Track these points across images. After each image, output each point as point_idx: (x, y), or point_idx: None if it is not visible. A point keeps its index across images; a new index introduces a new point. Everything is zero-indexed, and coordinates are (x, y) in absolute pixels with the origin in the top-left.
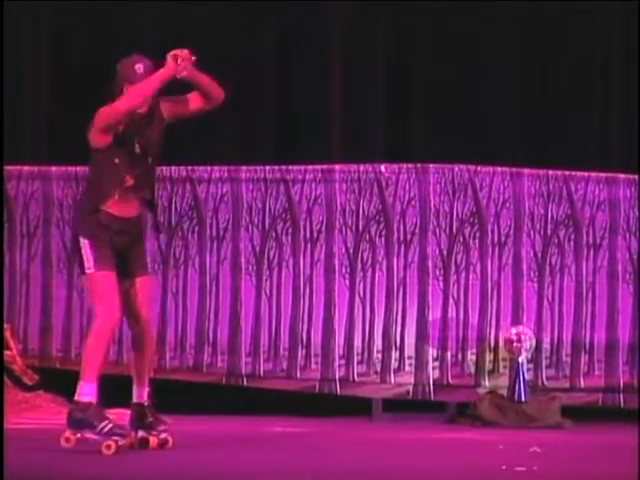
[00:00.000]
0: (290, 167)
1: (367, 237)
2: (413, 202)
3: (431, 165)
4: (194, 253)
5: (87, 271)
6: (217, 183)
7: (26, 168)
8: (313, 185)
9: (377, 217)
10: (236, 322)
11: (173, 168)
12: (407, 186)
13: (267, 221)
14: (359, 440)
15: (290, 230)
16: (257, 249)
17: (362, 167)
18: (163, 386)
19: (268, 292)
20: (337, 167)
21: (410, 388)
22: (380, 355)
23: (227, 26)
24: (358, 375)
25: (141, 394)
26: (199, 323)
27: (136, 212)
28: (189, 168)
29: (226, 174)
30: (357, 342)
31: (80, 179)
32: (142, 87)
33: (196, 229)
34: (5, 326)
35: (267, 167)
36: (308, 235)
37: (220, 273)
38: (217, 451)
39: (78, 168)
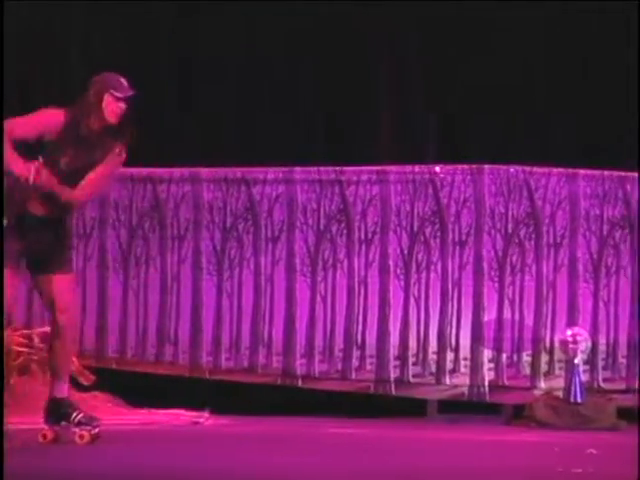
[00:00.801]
0: (345, 168)
1: (422, 238)
2: (468, 203)
3: (486, 166)
4: (249, 254)
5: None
6: (272, 184)
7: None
8: (368, 186)
9: (432, 218)
10: (291, 323)
11: (228, 170)
12: (462, 187)
13: (322, 222)
14: (414, 441)
15: (345, 231)
16: (312, 250)
17: (417, 168)
18: (218, 387)
19: (323, 293)
20: (392, 168)
21: (465, 389)
22: (435, 356)
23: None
24: (413, 376)
25: (62, 389)
26: (254, 324)
27: (55, 214)
28: (244, 169)
29: (281, 175)
30: (412, 343)
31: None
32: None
33: (251, 230)
34: None
35: (322, 168)
36: (363, 236)
37: (275, 274)
38: (271, 451)
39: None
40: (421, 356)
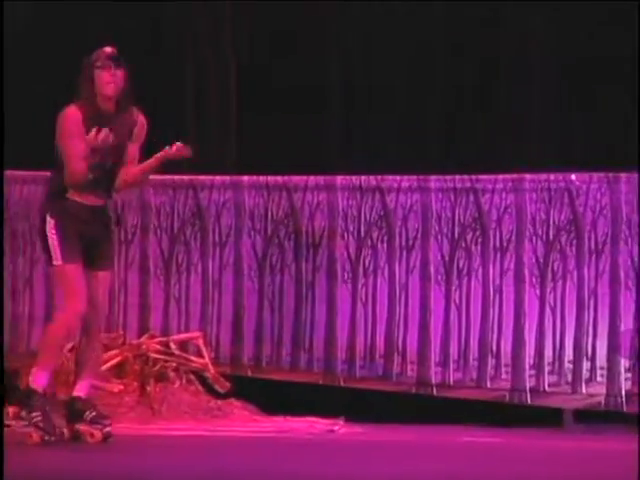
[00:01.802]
0: (480, 177)
1: (558, 247)
2: (604, 211)
3: (623, 174)
4: (383, 262)
5: (54, 262)
6: (406, 193)
7: (218, 178)
8: (503, 194)
9: (568, 226)
10: (425, 331)
11: (362, 177)
12: (598, 195)
13: (456, 230)
14: (550, 451)
15: (480, 240)
16: (446, 259)
17: (552, 176)
18: (353, 395)
19: (457, 301)
20: (527, 176)
21: (602, 399)
22: (571, 365)
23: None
24: (549, 385)
25: (82, 387)
26: (388, 332)
27: (99, 202)
28: (378, 177)
29: (415, 184)
30: (548, 352)
31: (271, 187)
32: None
33: (385, 238)
34: (197, 334)
35: (457, 177)
36: (498, 244)
37: (409, 282)
38: (405, 460)
39: (269, 178)
40: (557, 365)
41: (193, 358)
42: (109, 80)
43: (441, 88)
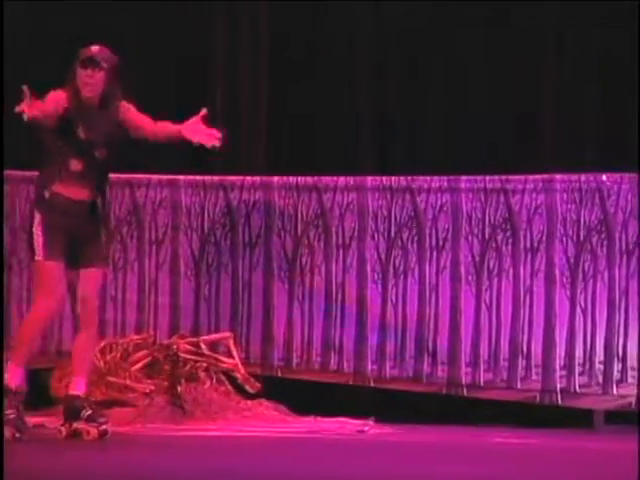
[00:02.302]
0: (510, 177)
1: (588, 247)
2: (635, 212)
3: None
4: (414, 263)
5: (36, 258)
6: (437, 193)
7: (248, 178)
8: (534, 195)
9: (598, 227)
10: (456, 332)
11: (393, 178)
12: (629, 196)
13: (487, 231)
14: (580, 452)
15: (510, 240)
16: (477, 259)
17: (583, 177)
18: (383, 395)
19: (488, 302)
20: (558, 177)
21: (633, 400)
22: (602, 366)
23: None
24: (580, 386)
25: (78, 385)
26: (418, 333)
27: (86, 196)
28: (409, 178)
29: (445, 184)
30: (578, 353)
31: (301, 188)
32: None
33: (415, 239)
34: (228, 334)
35: (487, 177)
36: (528, 245)
37: (440, 283)
38: (436, 461)
39: (299, 178)
40: (587, 366)
41: (223, 358)
42: (86, 81)
43: (473, 87)
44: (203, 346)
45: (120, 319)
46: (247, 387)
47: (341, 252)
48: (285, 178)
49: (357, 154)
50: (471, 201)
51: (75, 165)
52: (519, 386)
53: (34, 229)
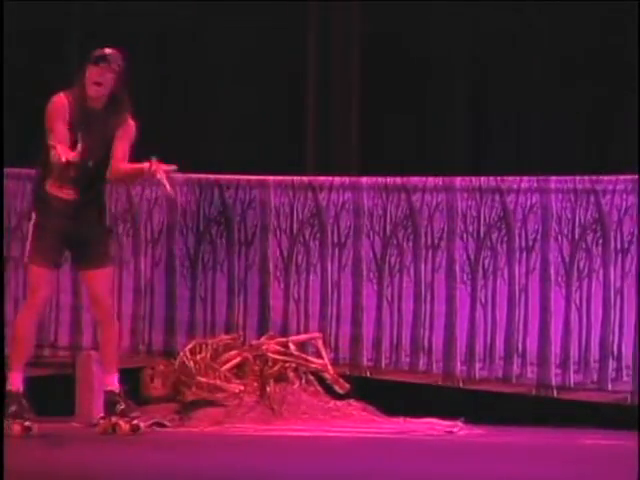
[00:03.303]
0: (601, 177)
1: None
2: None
3: None
4: (503, 264)
5: (25, 259)
6: (526, 193)
7: (337, 179)
8: (624, 195)
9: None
10: (545, 333)
11: (482, 178)
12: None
13: (577, 231)
14: None
15: (601, 241)
16: (567, 260)
17: (578, 177)
18: (472, 396)
19: (578, 303)
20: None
21: None
22: None
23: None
24: None
25: (111, 381)
26: (508, 334)
27: (81, 197)
28: (498, 178)
29: (535, 184)
30: None
31: (390, 189)
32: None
33: (505, 240)
34: (317, 335)
35: (577, 177)
36: (619, 246)
37: (529, 283)
38: (526, 462)
39: (388, 179)
40: None
41: (312, 359)
42: (95, 79)
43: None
44: (292, 346)
45: (210, 319)
46: (336, 388)
47: (430, 253)
48: (374, 178)
49: (447, 154)
50: (561, 201)
51: (69, 171)
52: (610, 388)
53: (29, 229)
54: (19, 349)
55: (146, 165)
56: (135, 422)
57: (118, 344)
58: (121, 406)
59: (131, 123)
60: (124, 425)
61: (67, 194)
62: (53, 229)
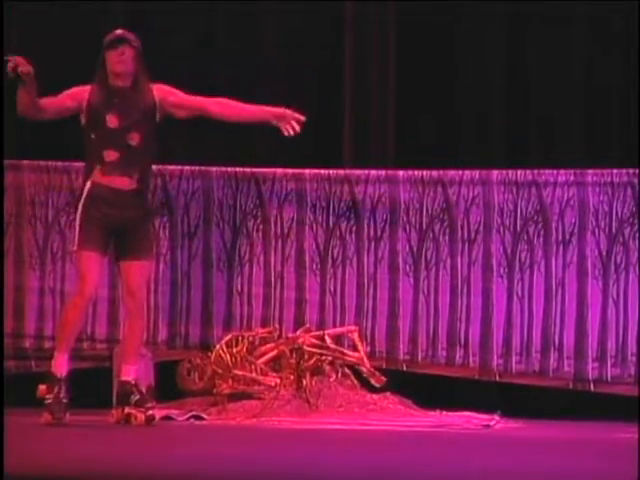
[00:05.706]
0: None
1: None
2: None
3: None
4: (539, 257)
5: (73, 247)
6: (563, 187)
7: (373, 172)
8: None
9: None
10: (582, 326)
11: (519, 172)
12: None
13: (614, 225)
14: None
15: (637, 235)
16: (603, 253)
17: (615, 170)
18: (509, 390)
19: (615, 296)
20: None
21: None
22: None
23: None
24: None
25: (127, 372)
26: (545, 327)
27: (127, 185)
28: (535, 171)
29: (572, 178)
30: None
31: (426, 182)
32: None
33: (541, 233)
34: (353, 328)
35: (614, 170)
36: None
37: (566, 277)
38: (562, 455)
39: (424, 172)
40: None
41: (348, 352)
42: (117, 59)
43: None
44: (328, 340)
45: (246, 313)
46: (372, 381)
47: (466, 246)
48: (410, 172)
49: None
50: (598, 194)
51: (109, 155)
52: None
53: (76, 220)
54: (65, 332)
55: (279, 110)
56: (150, 413)
57: (141, 338)
58: (136, 397)
59: (164, 87)
60: (139, 416)
61: (114, 182)
62: (101, 217)
